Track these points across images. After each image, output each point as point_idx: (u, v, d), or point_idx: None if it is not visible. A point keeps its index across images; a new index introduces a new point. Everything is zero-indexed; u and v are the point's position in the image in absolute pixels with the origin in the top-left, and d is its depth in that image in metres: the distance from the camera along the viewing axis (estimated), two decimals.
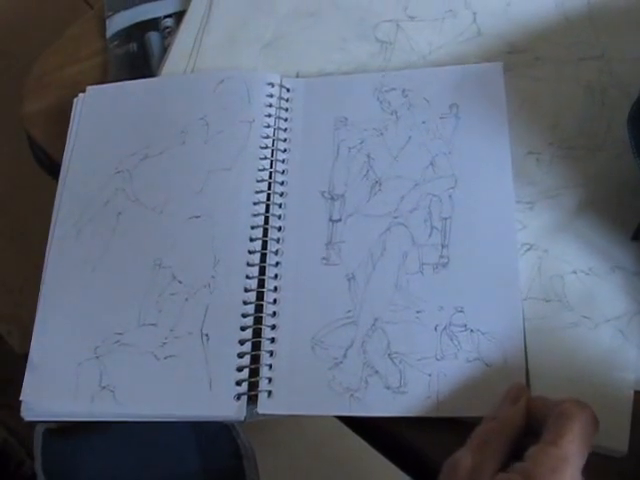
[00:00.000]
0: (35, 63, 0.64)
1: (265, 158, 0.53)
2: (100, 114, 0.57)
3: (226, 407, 0.46)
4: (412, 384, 0.46)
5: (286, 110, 0.55)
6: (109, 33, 0.63)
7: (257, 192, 0.52)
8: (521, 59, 0.57)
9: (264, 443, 0.48)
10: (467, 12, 0.59)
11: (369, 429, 0.48)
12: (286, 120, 0.55)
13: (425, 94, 0.54)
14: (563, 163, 0.52)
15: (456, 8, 0.59)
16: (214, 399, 0.46)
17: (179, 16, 0.63)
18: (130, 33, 0.63)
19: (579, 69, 0.56)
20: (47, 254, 0.53)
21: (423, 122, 0.53)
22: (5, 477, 0.63)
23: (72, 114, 0.57)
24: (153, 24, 0.63)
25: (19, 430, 0.67)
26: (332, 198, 0.52)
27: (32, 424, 0.50)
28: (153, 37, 0.62)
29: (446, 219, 0.50)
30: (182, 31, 0.60)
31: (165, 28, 0.63)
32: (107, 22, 0.64)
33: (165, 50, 0.61)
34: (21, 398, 0.49)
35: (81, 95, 0.58)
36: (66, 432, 0.50)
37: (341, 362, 0.47)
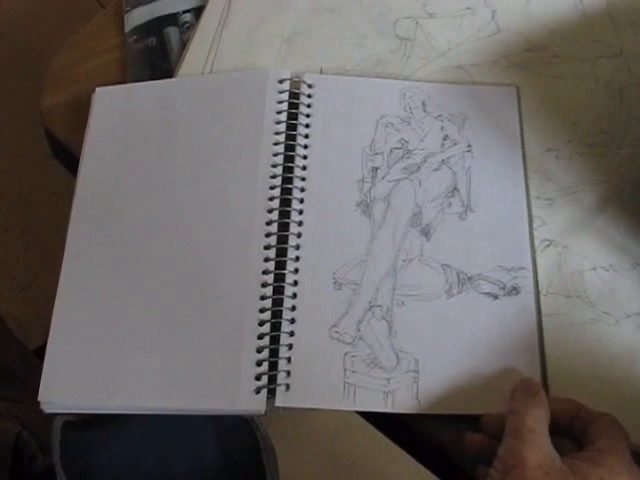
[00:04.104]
0: (54, 57, 0.64)
1: (277, 154, 0.53)
2: (113, 115, 0.57)
3: (246, 401, 0.46)
4: (427, 380, 0.46)
5: (308, 106, 0.55)
6: (127, 28, 0.63)
7: (271, 188, 0.52)
8: (540, 56, 0.57)
9: (283, 437, 0.48)
10: (486, 9, 0.59)
11: (388, 423, 0.48)
12: (308, 116, 0.55)
13: (442, 112, 0.55)
14: (582, 160, 0.53)
15: (475, 5, 0.60)
16: (234, 393, 0.47)
17: (197, 11, 0.63)
18: (149, 28, 0.63)
19: (597, 67, 0.56)
20: (65, 251, 0.53)
21: (441, 145, 0.54)
22: (18, 472, 0.63)
23: (90, 111, 0.57)
24: (172, 19, 0.63)
25: (32, 425, 0.67)
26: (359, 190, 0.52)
27: (46, 420, 0.50)
28: (172, 32, 0.62)
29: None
30: (201, 26, 0.60)
31: (184, 23, 0.63)
32: (125, 17, 0.64)
33: (184, 45, 0.61)
34: (40, 390, 0.49)
35: (98, 90, 0.58)
36: (84, 424, 0.50)
37: (359, 355, 0.47)
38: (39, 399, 0.49)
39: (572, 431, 0.43)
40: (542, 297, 0.48)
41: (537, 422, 0.40)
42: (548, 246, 0.50)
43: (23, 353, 0.87)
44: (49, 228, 1.23)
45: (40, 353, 0.52)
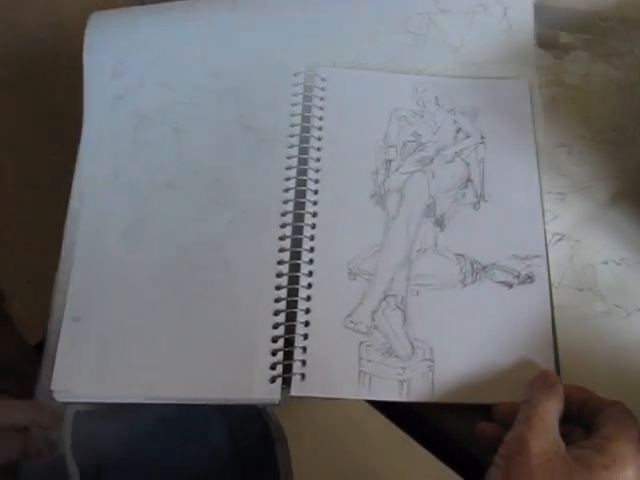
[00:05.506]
0: None
1: (291, 146, 0.53)
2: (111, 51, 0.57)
3: (261, 390, 0.47)
4: (442, 368, 0.47)
5: (321, 99, 0.55)
6: None
7: (286, 179, 0.52)
8: (551, 54, 0.58)
9: (293, 428, 0.48)
10: (498, 7, 0.60)
11: (401, 413, 0.48)
12: (321, 109, 0.55)
13: (455, 106, 0.56)
14: (594, 156, 0.53)
15: (487, 2, 0.60)
16: (249, 382, 0.47)
17: None
18: None
19: (609, 64, 0.57)
20: (78, 238, 0.53)
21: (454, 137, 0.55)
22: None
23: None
24: None
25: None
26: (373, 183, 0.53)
27: (50, 414, 0.49)
28: None
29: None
30: None
31: None
32: None
33: None
34: (52, 379, 0.49)
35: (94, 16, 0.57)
36: (96, 414, 0.50)
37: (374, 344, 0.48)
38: (52, 388, 0.49)
39: (581, 418, 0.43)
40: (554, 290, 0.49)
41: (548, 413, 0.41)
42: (560, 240, 0.50)
43: (24, 349, 0.87)
44: (49, 225, 1.22)
45: (40, 348, 0.52)
